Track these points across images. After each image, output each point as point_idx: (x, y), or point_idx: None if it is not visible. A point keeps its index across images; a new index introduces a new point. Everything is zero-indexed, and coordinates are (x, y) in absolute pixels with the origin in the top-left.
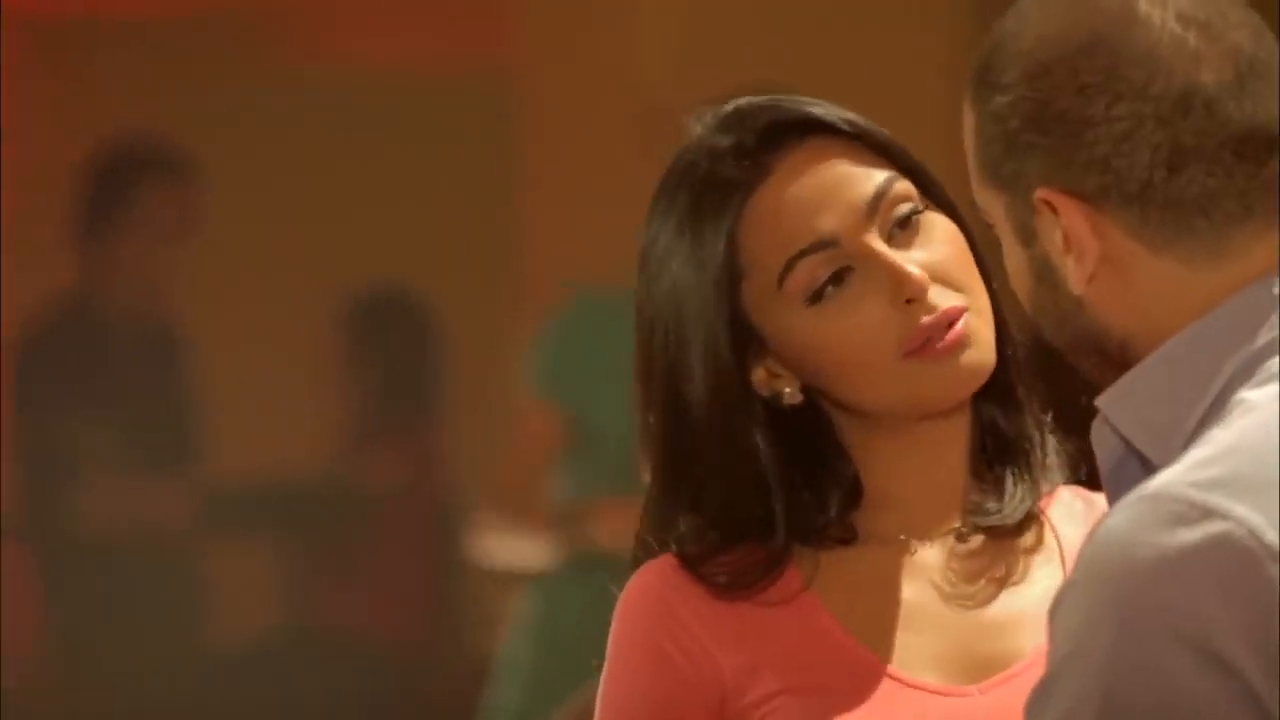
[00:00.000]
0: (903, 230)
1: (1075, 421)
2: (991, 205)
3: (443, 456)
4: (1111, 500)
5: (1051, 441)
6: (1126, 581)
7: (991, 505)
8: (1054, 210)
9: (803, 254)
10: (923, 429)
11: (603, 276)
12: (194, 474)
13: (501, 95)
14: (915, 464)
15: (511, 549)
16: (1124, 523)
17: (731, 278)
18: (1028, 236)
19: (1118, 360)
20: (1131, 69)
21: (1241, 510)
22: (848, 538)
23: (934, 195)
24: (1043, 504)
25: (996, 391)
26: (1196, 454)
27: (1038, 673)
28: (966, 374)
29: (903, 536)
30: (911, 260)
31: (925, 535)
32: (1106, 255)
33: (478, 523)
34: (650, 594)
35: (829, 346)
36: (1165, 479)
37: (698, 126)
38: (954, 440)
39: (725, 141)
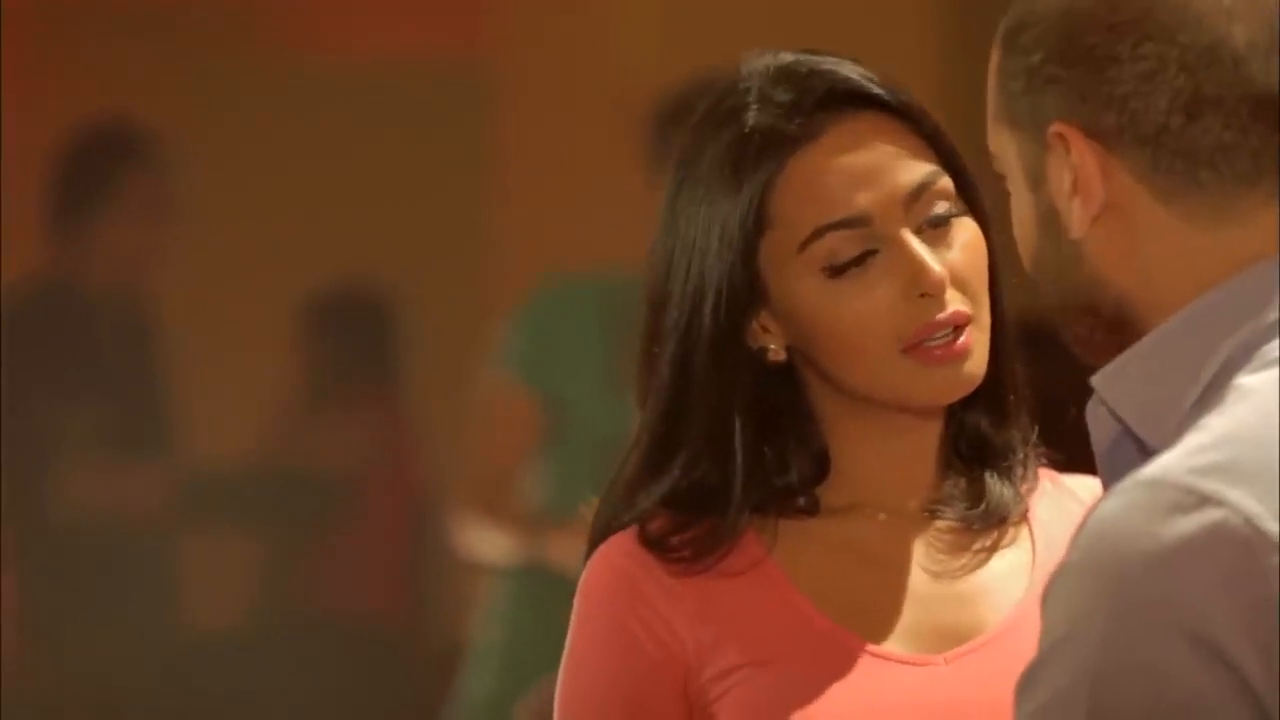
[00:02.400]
0: (933, 227)
1: (1063, 434)
2: (1005, 149)
3: (418, 442)
4: (1106, 481)
5: (1034, 456)
6: (1122, 569)
7: (966, 504)
8: (1066, 147)
9: (834, 226)
10: (899, 419)
11: (578, 263)
12: (169, 459)
13: (477, 82)
14: (886, 449)
15: (486, 536)
16: (1120, 509)
17: (758, 228)
18: (1036, 180)
19: (1112, 322)
20: (1164, 13)
21: (1238, 497)
22: (810, 509)
23: (970, 199)
24: None
25: (989, 401)
26: (1193, 440)
27: (1003, 644)
28: (959, 384)
29: (868, 510)
30: (936, 257)
31: (892, 509)
32: (1112, 202)
33: (453, 508)
34: (613, 571)
35: (833, 322)
36: (1162, 465)
37: (755, 67)
38: (928, 435)
39: (782, 95)
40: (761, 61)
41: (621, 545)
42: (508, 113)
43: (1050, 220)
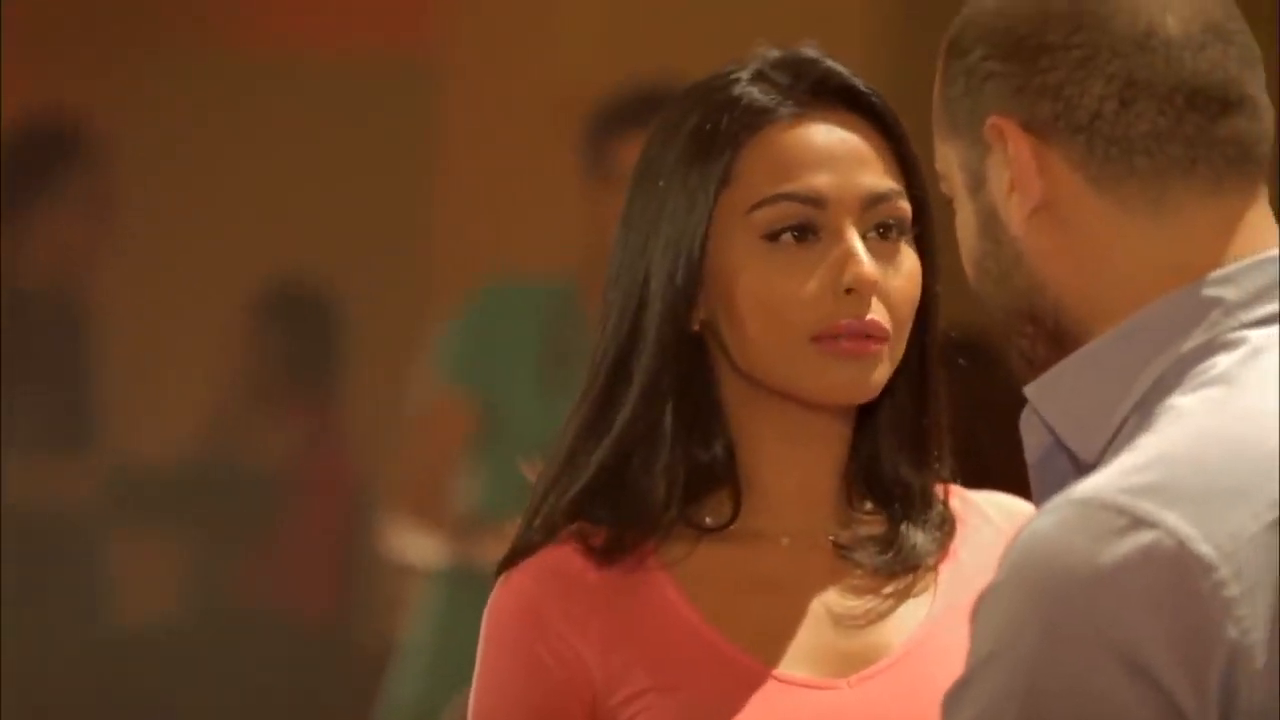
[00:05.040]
0: (879, 241)
1: (984, 477)
2: (949, 163)
3: (352, 443)
4: (1037, 491)
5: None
6: (1053, 588)
7: (877, 549)
8: (1003, 143)
9: (788, 197)
10: (799, 419)
11: (517, 267)
12: (102, 456)
13: (419, 83)
14: (787, 453)
15: (417, 541)
16: (1052, 528)
17: (722, 184)
18: (977, 184)
19: (1051, 331)
20: (1099, 4)
21: (1172, 519)
22: (719, 523)
23: (923, 240)
24: None
25: (912, 448)
26: (1127, 460)
27: (908, 667)
28: (855, 386)
29: (771, 534)
30: (873, 263)
31: (796, 532)
32: (1049, 198)
33: (386, 509)
34: (521, 597)
35: (753, 292)
36: (1096, 484)
37: (755, 54)
38: (829, 447)
39: (779, 77)
40: (761, 51)
41: (530, 570)
42: (449, 114)
43: (991, 222)
